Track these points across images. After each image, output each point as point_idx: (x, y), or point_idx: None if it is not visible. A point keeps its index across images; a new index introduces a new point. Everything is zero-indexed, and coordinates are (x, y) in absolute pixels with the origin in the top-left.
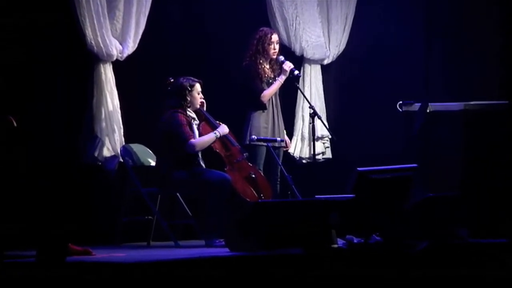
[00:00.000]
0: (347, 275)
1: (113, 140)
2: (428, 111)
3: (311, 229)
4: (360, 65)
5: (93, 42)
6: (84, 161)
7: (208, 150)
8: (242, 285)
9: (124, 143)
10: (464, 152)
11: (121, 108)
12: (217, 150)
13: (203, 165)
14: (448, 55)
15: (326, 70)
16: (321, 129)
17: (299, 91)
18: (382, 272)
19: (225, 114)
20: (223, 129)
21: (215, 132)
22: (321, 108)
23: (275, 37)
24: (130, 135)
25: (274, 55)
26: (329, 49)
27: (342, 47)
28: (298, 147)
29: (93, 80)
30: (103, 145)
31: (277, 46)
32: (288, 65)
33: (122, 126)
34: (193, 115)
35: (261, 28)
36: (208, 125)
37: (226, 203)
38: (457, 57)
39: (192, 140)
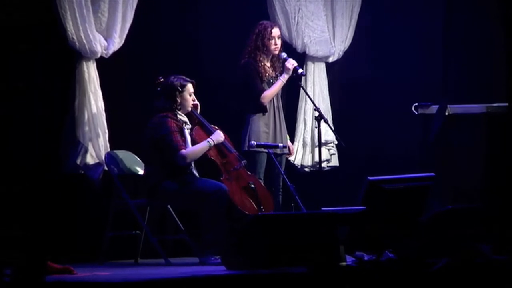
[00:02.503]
0: None
1: (97, 146)
2: (446, 113)
3: (317, 245)
4: (368, 63)
5: (75, 37)
6: (65, 169)
7: (202, 157)
8: None
9: (109, 150)
10: (486, 159)
11: (106, 110)
12: (212, 157)
13: (197, 174)
14: (469, 52)
15: (330, 68)
16: (326, 134)
17: (301, 92)
18: None
19: (221, 118)
20: (217, 136)
21: (208, 140)
22: (325, 111)
23: (276, 32)
24: (115, 141)
25: (275, 51)
26: (334, 46)
27: (347, 43)
28: (299, 154)
29: (75, 79)
30: (86, 151)
31: (278, 42)
32: (291, 63)
33: (107, 131)
34: (185, 118)
35: (260, 22)
36: (202, 129)
37: (222, 216)
38: (478, 54)
39: (183, 151)
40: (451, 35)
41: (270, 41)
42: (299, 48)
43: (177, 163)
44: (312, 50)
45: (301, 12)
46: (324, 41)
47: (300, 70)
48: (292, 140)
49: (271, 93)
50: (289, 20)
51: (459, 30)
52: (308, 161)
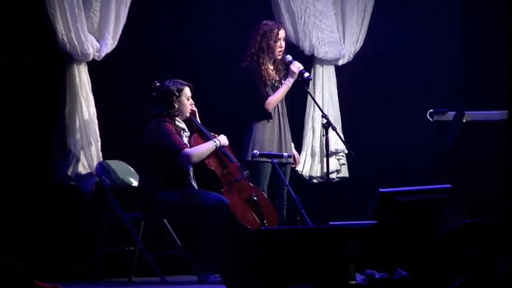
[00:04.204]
0: None
1: (89, 156)
2: (464, 121)
3: (325, 262)
4: (381, 66)
5: (65, 38)
6: (56, 180)
7: (201, 168)
8: None
9: (101, 159)
10: (507, 169)
11: (98, 117)
12: (212, 168)
13: (196, 185)
14: (488, 55)
15: (340, 72)
16: (336, 143)
17: (309, 98)
18: None
19: (222, 125)
20: (223, 139)
21: (214, 140)
22: (335, 117)
23: (282, 33)
24: (108, 150)
25: (280, 54)
26: (344, 47)
27: (359, 44)
28: (307, 164)
29: (65, 84)
30: (77, 161)
31: (283, 44)
32: (296, 66)
33: (99, 139)
34: (183, 125)
35: (265, 22)
36: (201, 137)
37: (223, 230)
38: (498, 57)
39: (187, 150)
40: (469, 36)
41: (276, 44)
42: (307, 50)
43: (181, 163)
44: (321, 52)
45: (308, 11)
46: (333, 42)
47: (306, 74)
48: (300, 149)
49: (276, 98)
50: (296, 20)
51: (478, 31)
52: (317, 172)
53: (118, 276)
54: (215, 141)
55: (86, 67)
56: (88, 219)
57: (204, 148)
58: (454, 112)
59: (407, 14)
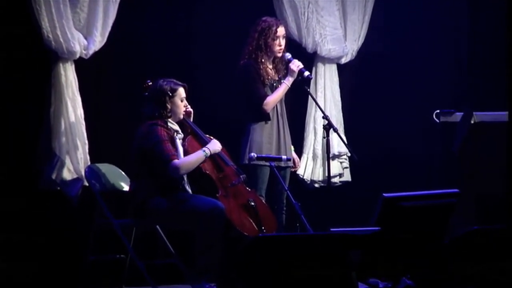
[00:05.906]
0: None
1: (75, 159)
2: (472, 122)
3: (325, 271)
4: (384, 65)
5: (50, 35)
6: (40, 185)
7: (196, 172)
8: None
9: (89, 163)
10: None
11: (85, 119)
12: (207, 172)
13: (190, 190)
14: (497, 52)
15: (342, 71)
16: (339, 145)
17: (310, 98)
18: None
19: (218, 126)
20: (214, 145)
21: (203, 149)
22: (337, 118)
23: (281, 30)
24: (97, 153)
25: (278, 53)
26: (347, 45)
27: (361, 41)
28: (309, 168)
29: (50, 83)
30: (63, 165)
31: (283, 41)
32: (296, 65)
33: (86, 142)
34: (176, 127)
35: (263, 18)
36: (196, 139)
37: (219, 237)
38: (508, 55)
39: (176, 161)
40: (477, 32)
41: (274, 42)
42: (310, 47)
43: (169, 175)
44: (324, 50)
45: (311, 6)
46: (337, 39)
47: (306, 73)
48: (301, 152)
49: (274, 98)
50: (299, 16)
51: (485, 28)
52: (319, 176)
53: (108, 285)
54: (204, 151)
55: (73, 66)
56: (77, 226)
57: (192, 159)
58: (462, 113)
59: (410, 10)
